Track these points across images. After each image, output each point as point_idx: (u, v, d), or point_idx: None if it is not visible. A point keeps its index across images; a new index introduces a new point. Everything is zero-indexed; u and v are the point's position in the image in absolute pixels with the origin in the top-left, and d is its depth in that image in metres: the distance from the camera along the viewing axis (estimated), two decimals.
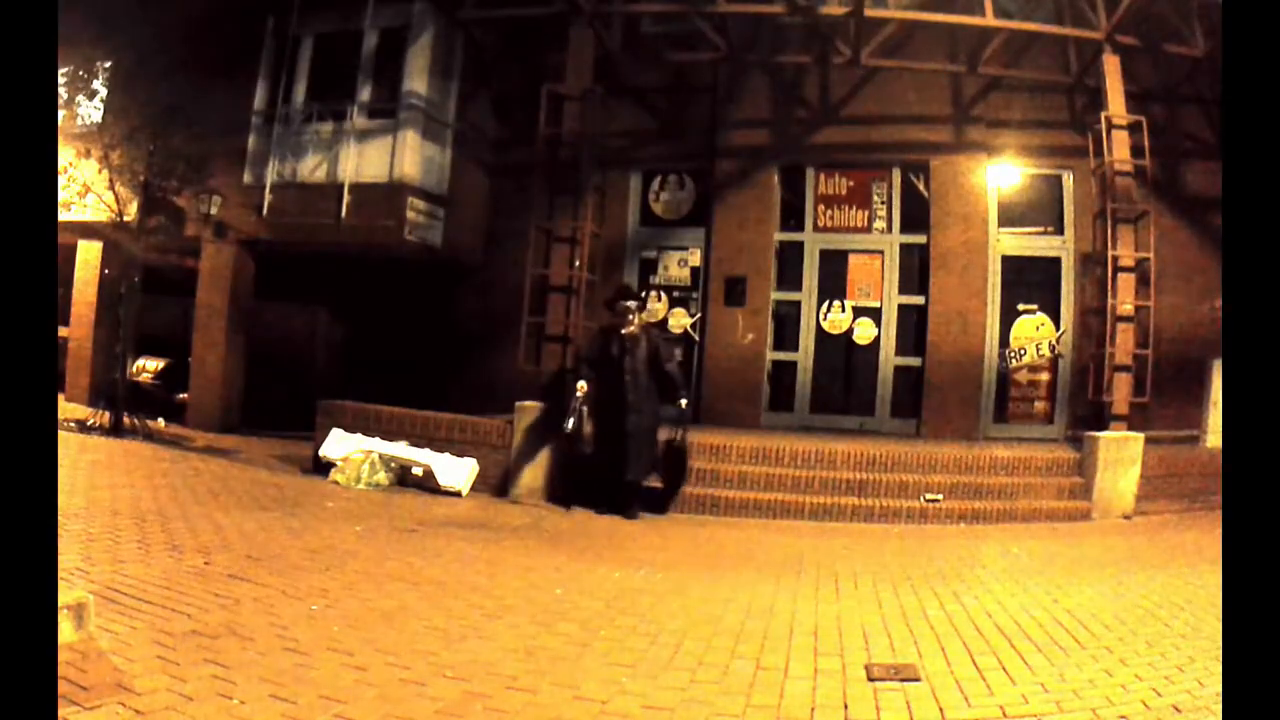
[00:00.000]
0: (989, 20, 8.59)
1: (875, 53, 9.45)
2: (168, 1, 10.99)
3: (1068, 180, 9.79)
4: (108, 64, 11.12)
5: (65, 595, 2.87)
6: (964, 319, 9.70)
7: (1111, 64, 8.33)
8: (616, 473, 7.15)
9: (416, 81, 10.32)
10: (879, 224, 10.28)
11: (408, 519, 6.25)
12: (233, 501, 6.09)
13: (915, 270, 10.11)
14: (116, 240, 10.24)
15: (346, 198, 10.14)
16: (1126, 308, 8.03)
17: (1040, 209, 10.03)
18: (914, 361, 9.95)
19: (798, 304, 10.25)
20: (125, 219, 9.69)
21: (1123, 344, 8.01)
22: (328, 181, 10.38)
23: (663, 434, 7.36)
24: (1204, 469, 7.88)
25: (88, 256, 12.37)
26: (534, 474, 7.81)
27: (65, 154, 9.46)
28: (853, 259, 10.29)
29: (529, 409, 7.92)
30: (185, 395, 11.45)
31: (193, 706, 2.50)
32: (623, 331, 7.36)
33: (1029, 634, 3.79)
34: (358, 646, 3.20)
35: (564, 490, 7.61)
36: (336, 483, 7.51)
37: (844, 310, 10.20)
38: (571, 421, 7.17)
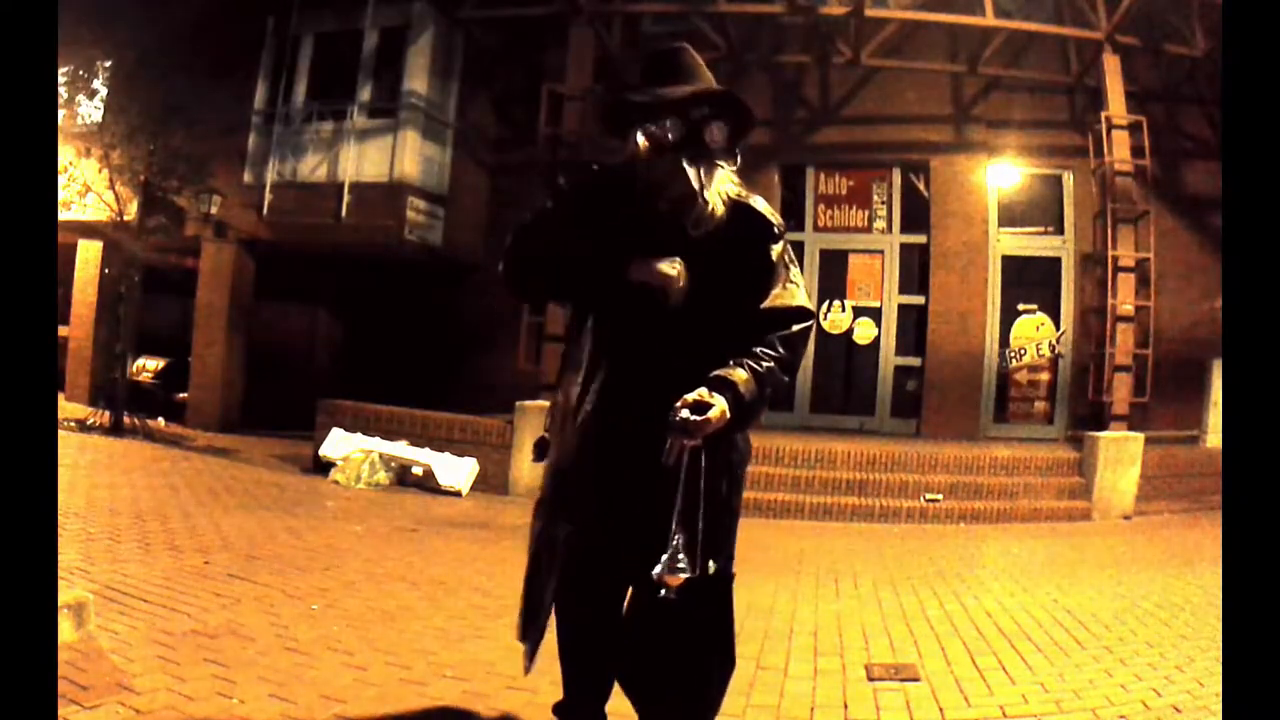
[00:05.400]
0: (989, 20, 8.60)
1: (875, 53, 9.45)
2: (168, 1, 10.99)
3: (1068, 180, 9.80)
4: (108, 63, 11.11)
5: (65, 594, 2.87)
6: (964, 319, 9.70)
7: (1111, 64, 8.33)
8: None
9: (416, 81, 10.32)
10: (879, 224, 10.28)
11: (408, 519, 6.24)
12: (233, 501, 6.09)
13: (915, 270, 10.11)
14: (116, 240, 10.24)
15: (346, 197, 10.14)
16: (1126, 308, 8.03)
17: (1040, 209, 10.03)
18: (914, 361, 9.95)
19: None
20: (125, 219, 9.70)
21: (1123, 344, 8.02)
22: (328, 181, 10.38)
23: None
24: (1204, 469, 7.88)
25: (88, 256, 12.37)
26: (534, 474, 7.80)
27: (65, 153, 9.47)
28: (853, 259, 10.29)
29: (529, 409, 7.92)
30: (185, 395, 11.45)
31: (193, 706, 2.50)
32: (678, 199, 1.97)
33: (1029, 634, 3.79)
34: (358, 646, 3.20)
35: None
36: (336, 482, 7.51)
37: (844, 310, 10.20)
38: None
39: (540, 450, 2.15)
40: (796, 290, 2.01)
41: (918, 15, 8.90)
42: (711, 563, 1.87)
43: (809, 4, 8.78)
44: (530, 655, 2.13)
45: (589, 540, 2.01)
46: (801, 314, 1.99)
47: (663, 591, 1.76)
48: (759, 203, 2.04)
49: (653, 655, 1.98)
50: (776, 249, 2.00)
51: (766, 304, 1.96)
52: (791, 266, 2.04)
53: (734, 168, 2.01)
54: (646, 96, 1.98)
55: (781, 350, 1.93)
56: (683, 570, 1.76)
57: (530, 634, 2.12)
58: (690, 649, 1.94)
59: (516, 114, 10.66)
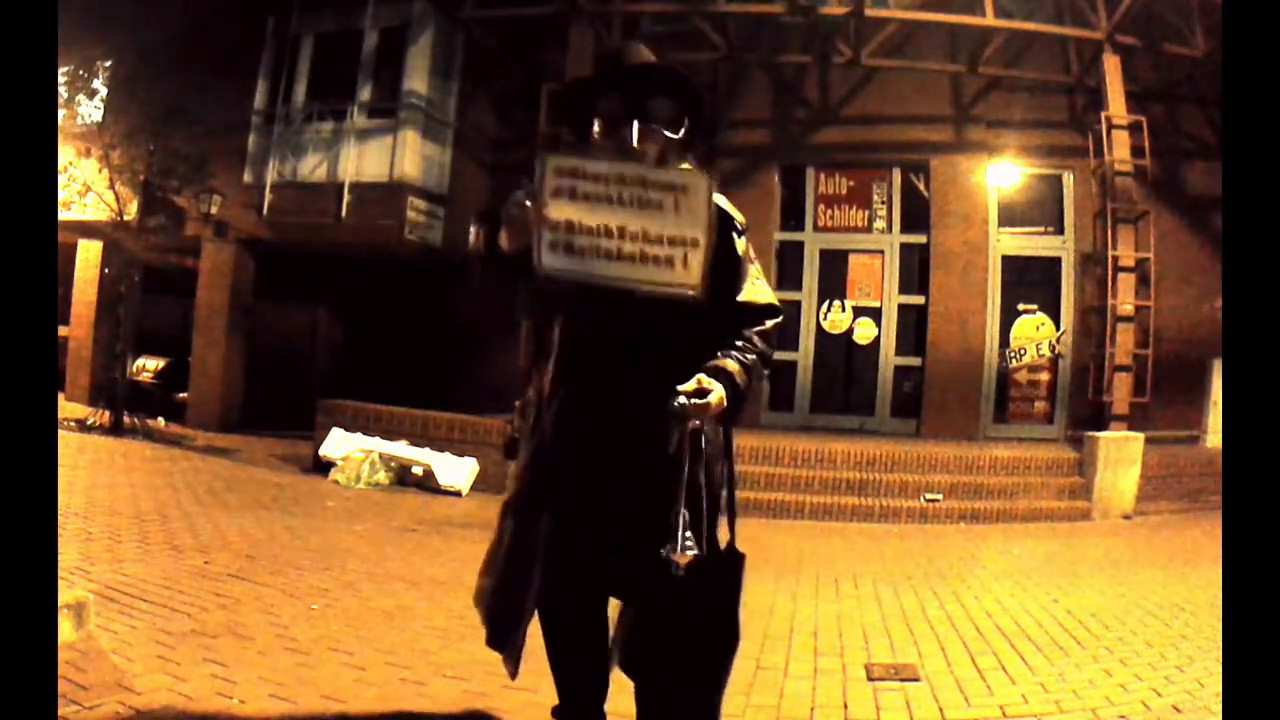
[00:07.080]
0: (989, 20, 8.60)
1: (875, 53, 9.46)
2: (168, 1, 11.00)
3: (1068, 180, 9.80)
4: (108, 63, 11.12)
5: (65, 594, 2.87)
6: (964, 319, 9.70)
7: (1111, 64, 8.34)
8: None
9: (416, 81, 10.32)
10: (879, 224, 10.28)
11: (408, 519, 6.24)
12: (233, 501, 6.09)
13: (915, 270, 10.11)
14: (116, 240, 10.25)
15: (346, 197, 10.13)
16: (1126, 308, 8.03)
17: (1040, 209, 10.03)
18: (914, 361, 9.95)
19: (798, 304, 10.25)
20: (125, 218, 9.71)
21: (1123, 344, 8.02)
22: (328, 181, 10.37)
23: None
24: (1204, 469, 7.89)
25: (88, 256, 12.37)
26: None
27: (65, 153, 9.47)
28: (853, 259, 10.29)
29: None
30: (185, 394, 11.45)
31: (193, 706, 2.50)
32: None
33: (1029, 634, 3.79)
34: (358, 646, 3.20)
35: None
36: (336, 482, 7.52)
37: (844, 310, 10.20)
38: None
39: (512, 448, 2.12)
40: (764, 287, 2.05)
41: (918, 15, 8.90)
42: (704, 544, 1.90)
43: (809, 4, 8.79)
44: (514, 661, 2.08)
45: (571, 535, 1.95)
46: (773, 311, 2.04)
47: (672, 569, 1.79)
48: (719, 199, 2.03)
49: (660, 636, 1.94)
50: (740, 243, 2.02)
51: (741, 297, 1.99)
52: (755, 262, 2.06)
53: (677, 137, 1.99)
54: (592, 76, 2.04)
55: (761, 345, 1.98)
56: (690, 548, 1.81)
57: (511, 641, 2.06)
58: (698, 628, 1.91)
59: (516, 114, 10.66)
